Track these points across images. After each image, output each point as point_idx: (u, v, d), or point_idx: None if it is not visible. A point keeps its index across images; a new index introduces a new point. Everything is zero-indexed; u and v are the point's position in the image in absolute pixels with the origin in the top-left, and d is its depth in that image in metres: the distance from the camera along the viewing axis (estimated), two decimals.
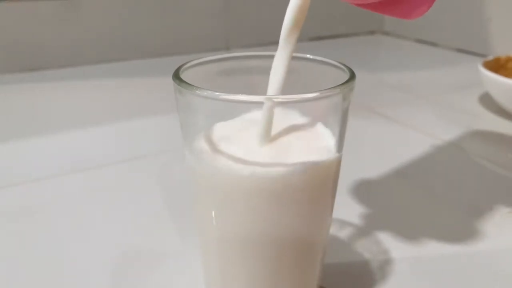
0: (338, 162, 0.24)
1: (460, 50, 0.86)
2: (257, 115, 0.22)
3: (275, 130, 0.23)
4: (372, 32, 1.01)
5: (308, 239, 0.24)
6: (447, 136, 0.50)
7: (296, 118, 0.24)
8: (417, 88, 0.67)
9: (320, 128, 0.24)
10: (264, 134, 0.22)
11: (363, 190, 0.39)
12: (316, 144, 0.23)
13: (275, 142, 0.23)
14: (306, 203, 0.23)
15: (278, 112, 0.23)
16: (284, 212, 0.22)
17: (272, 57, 0.26)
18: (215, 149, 0.23)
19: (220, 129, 0.24)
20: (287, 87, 0.24)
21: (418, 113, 0.58)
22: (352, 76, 0.23)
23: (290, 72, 0.25)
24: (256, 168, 0.21)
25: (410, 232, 0.34)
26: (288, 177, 0.21)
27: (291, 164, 0.21)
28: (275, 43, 0.24)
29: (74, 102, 0.62)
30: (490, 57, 0.60)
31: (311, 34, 0.93)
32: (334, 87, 0.21)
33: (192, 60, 0.25)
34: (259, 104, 0.22)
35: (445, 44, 0.89)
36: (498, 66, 0.59)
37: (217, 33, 0.87)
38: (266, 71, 0.26)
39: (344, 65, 0.24)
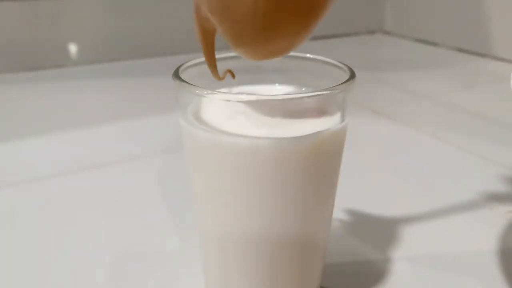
0: (340, 135, 0.23)
1: (460, 50, 0.86)
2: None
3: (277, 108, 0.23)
4: (372, 32, 1.01)
5: (308, 235, 0.24)
6: (447, 136, 0.50)
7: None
8: (417, 88, 0.67)
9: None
10: None
11: (363, 190, 0.39)
12: (318, 119, 0.23)
13: (274, 117, 0.23)
14: (302, 182, 0.22)
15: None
16: (281, 185, 0.22)
17: None
18: (210, 118, 0.22)
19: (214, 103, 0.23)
20: (288, 87, 0.24)
21: (418, 113, 0.58)
22: (352, 76, 0.23)
23: (290, 72, 0.25)
24: (254, 139, 0.21)
25: (410, 232, 0.34)
26: (284, 146, 0.21)
27: (289, 137, 0.21)
28: None
29: (74, 102, 0.62)
30: None
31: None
32: (334, 86, 0.21)
33: (192, 60, 0.25)
34: (259, 103, 0.22)
35: (446, 44, 0.89)
36: None
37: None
38: (266, 70, 0.26)
39: (344, 64, 0.24)
